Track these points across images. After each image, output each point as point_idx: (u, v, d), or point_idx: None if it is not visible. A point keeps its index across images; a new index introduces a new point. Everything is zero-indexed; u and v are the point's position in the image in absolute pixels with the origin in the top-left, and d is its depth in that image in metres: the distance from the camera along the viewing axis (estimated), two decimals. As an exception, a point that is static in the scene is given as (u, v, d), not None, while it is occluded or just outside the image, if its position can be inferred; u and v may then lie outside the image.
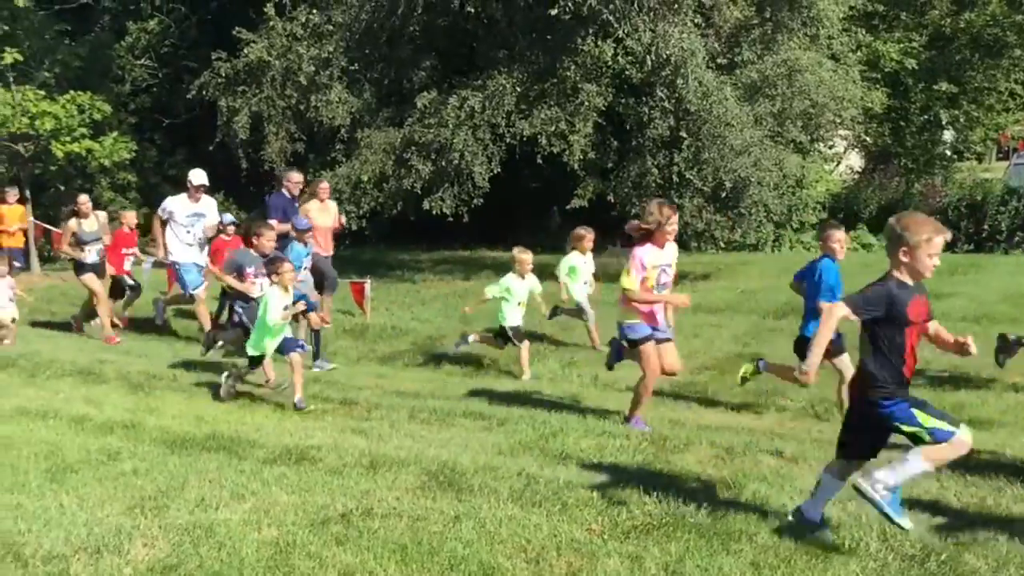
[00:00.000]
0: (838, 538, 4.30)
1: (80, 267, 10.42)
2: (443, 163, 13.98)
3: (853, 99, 15.54)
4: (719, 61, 14.69)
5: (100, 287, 10.50)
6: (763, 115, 14.26)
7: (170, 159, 23.02)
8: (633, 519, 4.55)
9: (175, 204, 10.40)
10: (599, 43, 13.85)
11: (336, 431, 6.44)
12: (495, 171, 14.31)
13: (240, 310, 8.12)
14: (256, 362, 7.51)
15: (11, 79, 17.87)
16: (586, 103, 13.89)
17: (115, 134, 19.42)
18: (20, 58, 17.65)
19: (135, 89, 22.62)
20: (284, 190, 10.50)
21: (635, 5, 13.14)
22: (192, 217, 10.31)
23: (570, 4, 12.84)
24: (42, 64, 18.91)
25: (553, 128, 13.95)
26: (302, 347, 7.90)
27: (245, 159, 16.31)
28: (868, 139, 22.95)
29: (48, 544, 4.29)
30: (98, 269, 10.52)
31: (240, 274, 8.14)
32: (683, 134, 13.76)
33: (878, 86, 19.58)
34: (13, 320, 10.01)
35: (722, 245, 18.18)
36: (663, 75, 13.33)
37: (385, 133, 14.97)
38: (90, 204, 10.69)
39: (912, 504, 4.63)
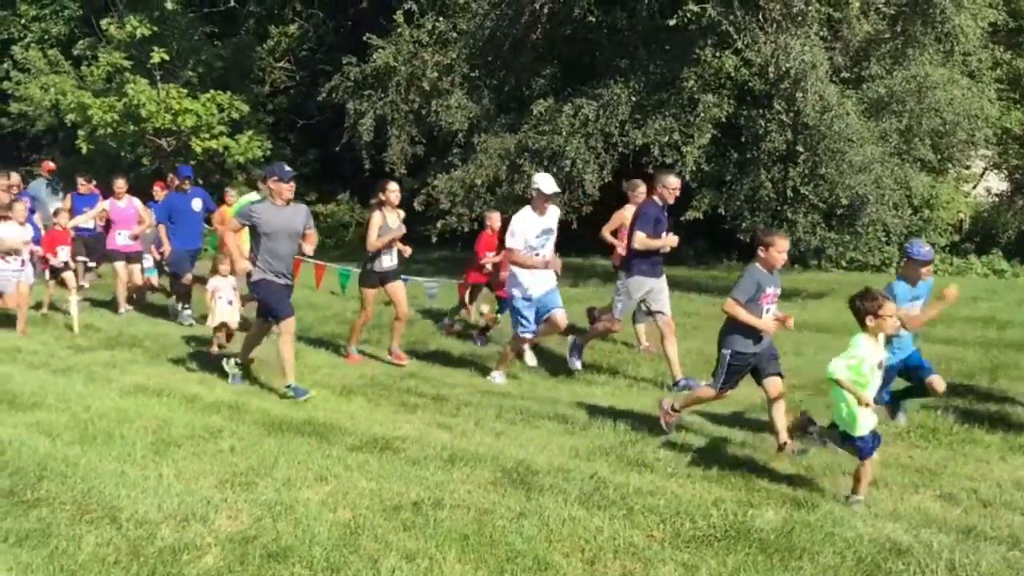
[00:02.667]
0: (905, 566, 4.20)
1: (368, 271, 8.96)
2: (555, 170, 14.11)
3: (989, 118, 14.87)
4: (844, 75, 14.32)
5: (403, 298, 9.03)
6: (889, 132, 13.81)
7: (302, 158, 23.98)
8: (696, 529, 4.58)
9: (525, 223, 7.99)
10: (719, 54, 13.73)
11: (423, 425, 6.66)
12: (606, 179, 14.36)
13: (729, 351, 6.07)
14: (858, 444, 5.03)
15: (158, 77, 19.06)
16: (703, 114, 13.79)
17: (251, 132, 20.41)
18: (167, 57, 18.81)
19: (273, 90, 23.65)
20: (656, 197, 8.33)
21: (758, 17, 12.97)
22: (542, 237, 8.06)
23: (689, 15, 12.80)
24: (187, 64, 20.04)
25: (667, 138, 13.90)
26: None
27: (368, 160, 16.84)
28: (1015, 160, 21.84)
29: (142, 510, 4.65)
30: (392, 274, 8.98)
31: (754, 298, 5.95)
32: (800, 148, 13.47)
33: (1019, 106, 18.64)
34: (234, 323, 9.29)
35: (843, 264, 17.69)
36: (782, 88, 13.11)
37: (501, 139, 15.23)
38: (398, 193, 8.94)
39: (986, 537, 4.51)
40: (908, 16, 14.00)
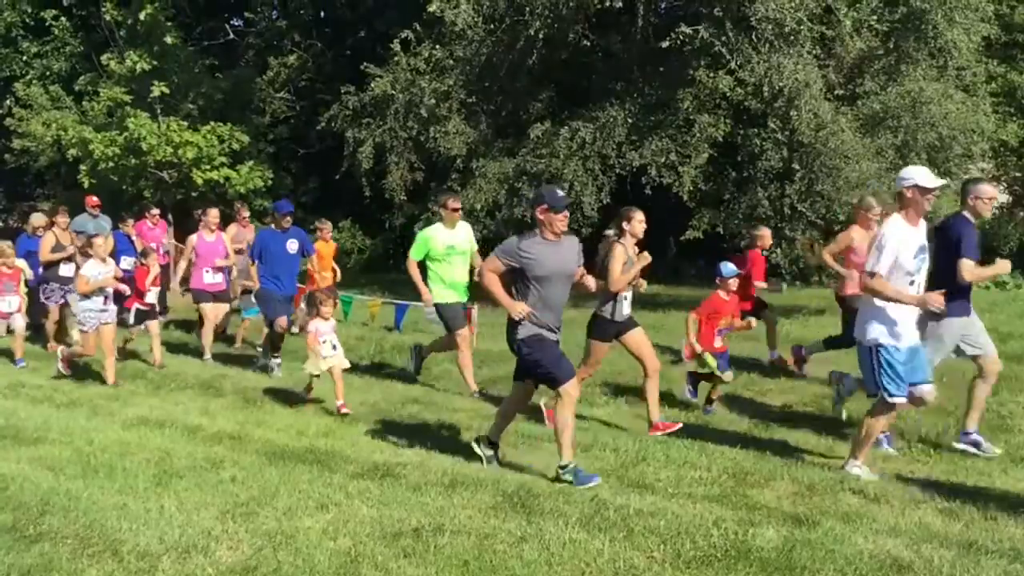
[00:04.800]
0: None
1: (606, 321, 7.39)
2: (552, 193, 14.22)
3: (984, 132, 14.95)
4: (838, 92, 14.42)
5: (650, 348, 7.52)
6: (885, 147, 13.89)
7: (304, 187, 24.15)
8: (697, 549, 4.57)
9: (900, 235, 5.64)
10: (713, 74, 13.85)
11: (424, 450, 6.67)
12: (604, 201, 14.44)
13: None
14: None
15: (158, 110, 19.22)
16: (699, 134, 13.89)
17: (252, 163, 20.55)
18: (167, 91, 18.96)
19: (274, 120, 23.83)
20: (968, 212, 6.61)
21: (750, 37, 13.08)
22: (919, 258, 5.68)
23: (682, 37, 12.92)
24: (187, 96, 20.21)
25: (663, 159, 14.00)
26: None
27: (368, 188, 16.95)
28: (1015, 172, 21.91)
29: (144, 542, 4.66)
30: (630, 322, 7.50)
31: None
32: (796, 166, 13.56)
33: (1015, 119, 18.72)
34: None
35: (845, 279, 17.73)
36: (776, 107, 13.22)
37: (499, 163, 15.34)
38: (644, 224, 7.37)
39: (987, 551, 4.51)
40: (901, 32, 14.12)
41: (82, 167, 19.40)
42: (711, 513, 5.12)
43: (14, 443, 6.75)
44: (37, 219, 12.11)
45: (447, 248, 9.01)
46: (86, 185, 19.29)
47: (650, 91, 14.77)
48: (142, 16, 18.92)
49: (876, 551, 4.52)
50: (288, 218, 10.12)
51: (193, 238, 10.93)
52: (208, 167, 19.47)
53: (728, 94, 14.26)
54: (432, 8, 14.89)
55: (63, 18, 22.76)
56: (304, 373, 8.42)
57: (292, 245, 10.10)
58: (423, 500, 5.35)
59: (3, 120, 21.88)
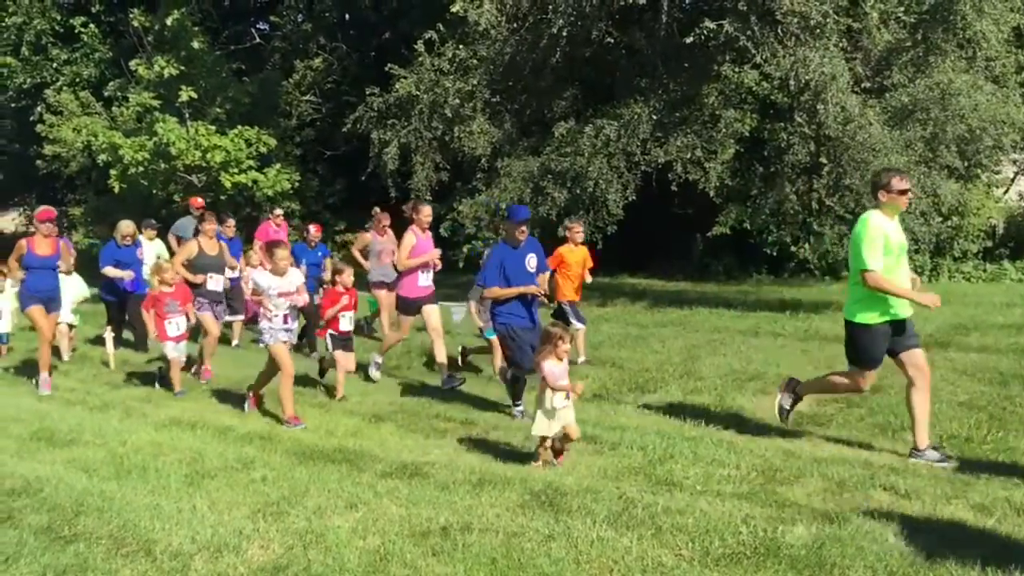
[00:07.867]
0: (937, 577, 4.17)
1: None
2: (578, 191, 14.21)
3: (1015, 123, 14.74)
4: (866, 85, 14.27)
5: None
6: (913, 140, 13.72)
7: (330, 188, 24.31)
8: (726, 547, 4.55)
9: None
10: (738, 69, 13.78)
11: (452, 449, 6.70)
12: (630, 199, 14.42)
13: None
14: None
15: (186, 115, 19.42)
16: (725, 129, 13.82)
17: (278, 166, 20.71)
18: (195, 95, 19.17)
19: (300, 123, 23.99)
20: None
21: (776, 31, 12.99)
22: None
23: (706, 32, 12.85)
24: (215, 101, 20.41)
25: (689, 155, 13.95)
26: None
27: (394, 188, 17.03)
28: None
29: (176, 542, 4.72)
30: None
31: None
32: (823, 160, 13.44)
33: (1046, 108, 18.42)
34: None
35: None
36: (803, 100, 13.11)
37: (524, 162, 15.37)
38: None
39: (1020, 546, 4.46)
40: (929, 24, 13.93)
41: (112, 172, 19.64)
42: (740, 510, 5.10)
43: (48, 445, 6.85)
44: (127, 227, 11.22)
45: (899, 246, 6.34)
46: (116, 190, 19.55)
47: (675, 87, 14.72)
48: (169, 22, 19.13)
49: (907, 548, 4.48)
50: (524, 228, 7.88)
51: (409, 237, 9.28)
52: (236, 170, 19.66)
53: (754, 88, 14.20)
54: (455, 8, 14.93)
55: (92, 25, 23.06)
56: (533, 435, 6.30)
57: (532, 261, 8.01)
58: (451, 499, 5.38)
59: (34, 126, 22.20)
